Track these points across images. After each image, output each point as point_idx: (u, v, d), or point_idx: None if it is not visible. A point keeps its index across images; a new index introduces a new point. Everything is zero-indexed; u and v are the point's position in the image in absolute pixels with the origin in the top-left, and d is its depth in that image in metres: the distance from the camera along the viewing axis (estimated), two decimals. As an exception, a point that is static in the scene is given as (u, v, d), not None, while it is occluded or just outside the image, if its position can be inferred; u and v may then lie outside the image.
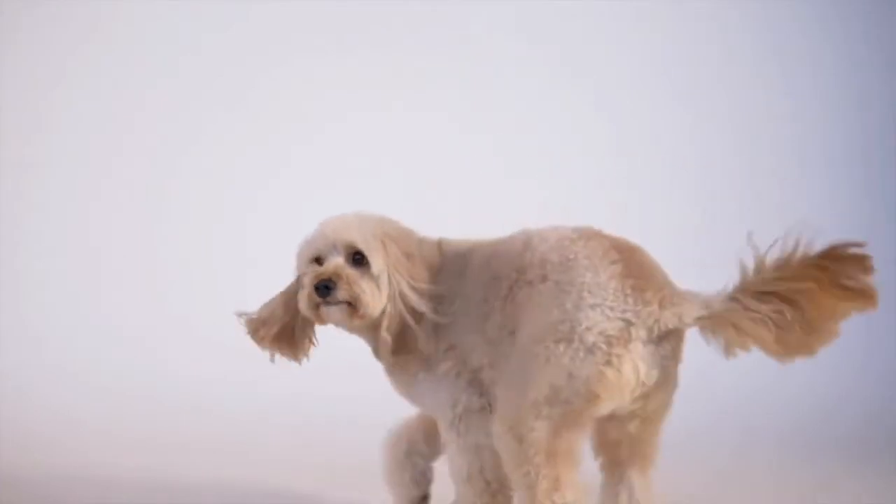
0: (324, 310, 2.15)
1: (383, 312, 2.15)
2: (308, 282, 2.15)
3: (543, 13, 4.22)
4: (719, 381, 3.54)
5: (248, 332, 2.25)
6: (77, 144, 4.08)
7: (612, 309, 2.01)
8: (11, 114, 4.03)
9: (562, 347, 1.99)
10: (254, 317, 2.25)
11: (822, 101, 4.21)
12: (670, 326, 1.99)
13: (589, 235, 2.11)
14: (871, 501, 2.66)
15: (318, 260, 2.18)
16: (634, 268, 2.05)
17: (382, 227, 2.21)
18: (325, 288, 2.12)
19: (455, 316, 2.18)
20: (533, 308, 2.07)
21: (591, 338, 1.99)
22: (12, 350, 3.72)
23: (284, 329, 2.23)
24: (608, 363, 1.98)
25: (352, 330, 2.24)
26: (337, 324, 2.19)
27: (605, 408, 2.02)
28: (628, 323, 1.99)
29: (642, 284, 2.02)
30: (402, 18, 4.16)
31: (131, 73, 4.11)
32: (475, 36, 4.21)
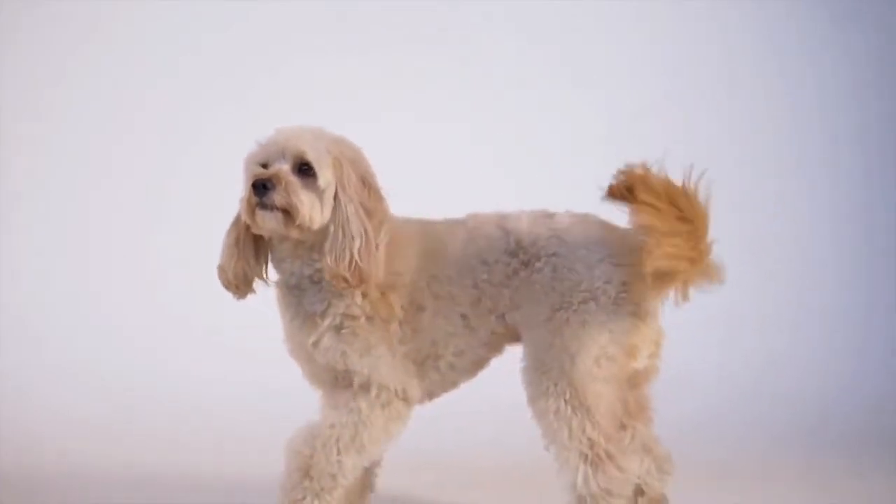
0: (259, 214, 2.08)
1: (327, 235, 2.08)
2: (247, 181, 2.10)
3: (543, 13, 4.22)
4: (717, 379, 3.55)
5: (224, 286, 2.21)
6: (77, 144, 4.08)
7: (613, 256, 2.11)
8: (11, 114, 4.03)
9: (592, 306, 2.07)
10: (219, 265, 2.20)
11: (821, 101, 4.21)
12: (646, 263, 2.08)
13: (543, 212, 2.22)
14: (869, 500, 2.67)
15: (265, 166, 2.13)
16: (600, 220, 2.20)
17: (339, 147, 2.16)
18: (262, 187, 2.05)
19: (433, 299, 2.15)
20: (537, 285, 2.12)
21: (612, 290, 2.08)
22: (12, 350, 3.72)
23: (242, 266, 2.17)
24: (635, 313, 2.08)
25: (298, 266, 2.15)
26: (273, 232, 2.11)
27: (639, 362, 2.12)
28: (631, 265, 2.09)
29: (620, 232, 2.15)
30: (402, 18, 4.16)
31: (131, 73, 4.11)
32: (475, 36, 4.21)
